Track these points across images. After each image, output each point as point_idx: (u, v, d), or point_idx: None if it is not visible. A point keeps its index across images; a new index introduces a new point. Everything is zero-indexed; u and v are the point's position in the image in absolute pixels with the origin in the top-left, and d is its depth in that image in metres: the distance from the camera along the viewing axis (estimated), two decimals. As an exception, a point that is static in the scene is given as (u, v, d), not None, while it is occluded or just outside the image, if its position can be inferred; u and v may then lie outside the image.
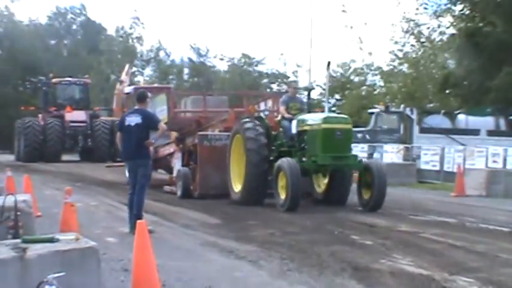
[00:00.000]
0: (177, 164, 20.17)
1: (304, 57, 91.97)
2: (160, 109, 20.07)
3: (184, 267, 8.70)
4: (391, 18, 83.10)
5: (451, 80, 36.40)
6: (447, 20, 40.92)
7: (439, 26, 43.18)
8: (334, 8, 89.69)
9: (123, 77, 32.31)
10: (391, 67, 49.70)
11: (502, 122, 30.51)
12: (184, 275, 8.16)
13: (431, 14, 41.32)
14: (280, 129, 16.90)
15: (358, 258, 9.29)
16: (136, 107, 12.40)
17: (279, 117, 17.10)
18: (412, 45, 46.26)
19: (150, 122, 12.11)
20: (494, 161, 23.52)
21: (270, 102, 20.93)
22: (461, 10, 36.21)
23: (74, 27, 69.74)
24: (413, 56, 46.36)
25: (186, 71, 65.85)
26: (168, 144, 21.45)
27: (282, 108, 17.05)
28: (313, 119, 15.79)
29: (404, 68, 48.18)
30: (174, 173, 19.93)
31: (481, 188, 20.29)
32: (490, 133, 28.63)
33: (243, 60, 62.75)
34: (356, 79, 57.59)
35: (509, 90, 30.85)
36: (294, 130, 16.26)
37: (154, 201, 16.76)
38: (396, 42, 46.61)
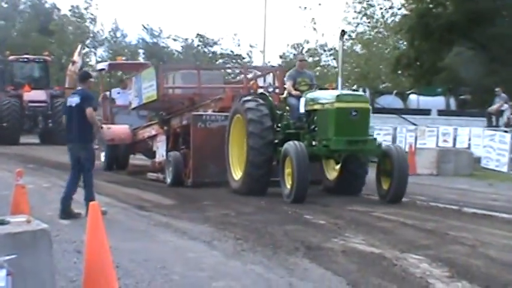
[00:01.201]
0: (160, 148, 18.66)
1: (258, 37, 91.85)
2: (148, 84, 18.25)
3: (138, 249, 8.69)
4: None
5: (402, 61, 36.79)
6: (399, 1, 41.33)
7: (391, 7, 43.58)
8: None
9: (75, 57, 31.64)
10: (345, 48, 49.95)
11: (452, 102, 30.89)
12: (138, 256, 8.15)
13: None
14: (287, 108, 15.09)
15: (311, 238, 9.39)
16: (78, 88, 12.01)
17: (285, 94, 15.13)
18: (365, 26, 46.62)
19: (84, 103, 11.36)
20: (445, 141, 23.92)
21: (269, 78, 18.70)
22: (412, -9, 36.57)
23: (22, 7, 68.39)
24: (367, 36, 46.70)
25: (141, 52, 65.29)
26: (149, 125, 20.06)
27: (288, 84, 15.05)
28: (324, 96, 13.90)
29: (358, 48, 48.52)
30: (157, 158, 18.66)
31: (432, 167, 20.60)
32: (441, 113, 28.97)
33: (197, 40, 62.49)
34: (310, 60, 57.78)
35: (459, 70, 31.30)
36: (302, 109, 14.34)
37: (108, 183, 16.70)
38: (349, 23, 46.92)
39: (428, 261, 7.88)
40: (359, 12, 46.22)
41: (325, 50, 56.51)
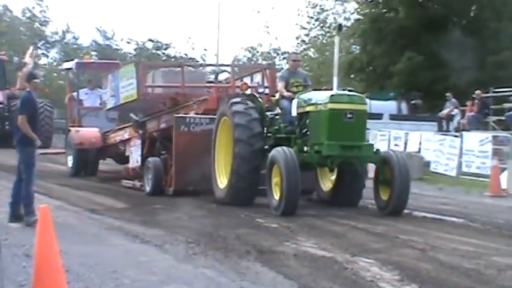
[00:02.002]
0: (134, 153, 17.17)
1: (212, 41, 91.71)
2: (127, 83, 17.05)
3: (89, 252, 8.61)
4: (298, 3, 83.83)
5: (355, 65, 37.09)
6: (352, 5, 41.70)
7: (344, 12, 43.94)
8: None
9: (27, 59, 31.10)
10: (298, 52, 50.20)
11: (404, 106, 31.27)
12: (88, 260, 8.07)
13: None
14: (279, 110, 13.88)
15: (263, 241, 9.41)
16: (27, 89, 11.41)
17: (277, 96, 13.94)
18: (318, 31, 46.94)
19: (19, 109, 10.92)
20: (396, 145, 24.20)
21: (258, 77, 17.34)
22: (365, -4, 36.96)
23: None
24: (320, 41, 47.02)
25: (94, 54, 64.66)
26: (122, 129, 18.65)
27: (280, 85, 13.81)
28: (317, 97, 12.76)
29: (311, 52, 48.79)
30: (131, 164, 17.24)
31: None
32: (392, 117, 29.31)
33: (150, 44, 62.14)
34: (263, 63, 57.91)
35: (410, 74, 31.67)
36: (294, 112, 13.18)
37: (59, 186, 16.51)
38: (303, 28, 47.19)
39: (379, 264, 7.96)
40: (312, 17, 46.53)
41: (278, 54, 56.70)
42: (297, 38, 48.53)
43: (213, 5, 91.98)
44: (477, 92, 25.48)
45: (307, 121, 12.89)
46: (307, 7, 46.22)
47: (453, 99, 26.49)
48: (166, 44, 61.51)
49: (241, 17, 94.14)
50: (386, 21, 34.17)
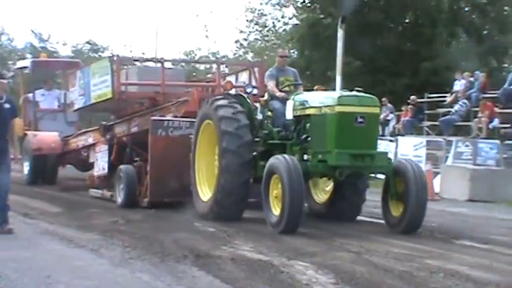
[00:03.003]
0: (100, 159, 15.76)
1: (149, 45, 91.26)
2: (99, 80, 15.46)
3: (22, 257, 8.49)
4: (236, 7, 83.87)
5: (293, 69, 37.23)
6: (290, 10, 41.96)
7: (282, 17, 44.19)
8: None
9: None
10: (237, 56, 50.28)
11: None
12: (22, 265, 7.95)
13: (275, 4, 42.22)
14: (269, 113, 12.48)
15: (200, 245, 9.40)
16: None
17: (266, 97, 12.60)
18: (256, 35, 47.11)
19: None
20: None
21: (243, 76, 16.02)
22: (303, 1, 37.15)
23: None
24: (259, 45, 47.17)
25: (29, 56, 63.67)
26: (85, 133, 17.35)
27: (271, 84, 12.37)
28: (321, 99, 11.37)
29: (249, 57, 48.88)
30: (96, 171, 15.94)
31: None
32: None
33: (87, 46, 61.47)
34: (202, 67, 57.80)
35: (348, 79, 31.96)
36: (289, 115, 11.72)
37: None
38: (241, 32, 47.30)
39: (315, 268, 8.03)
40: (251, 21, 46.67)
41: (217, 58, 56.67)
42: (236, 41, 48.60)
43: (152, 8, 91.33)
44: (412, 97, 25.93)
45: (308, 125, 11.42)
46: (246, 11, 46.36)
47: (389, 104, 26.89)
48: (104, 47, 60.94)
49: (180, 20, 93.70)
50: (323, 26, 34.41)
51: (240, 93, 12.65)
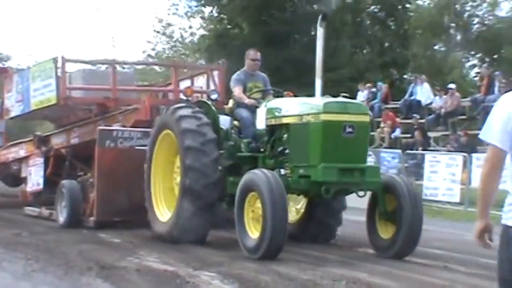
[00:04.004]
0: (34, 173, 14.49)
1: (54, 55, 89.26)
2: (42, 84, 14.06)
3: None
4: (144, 17, 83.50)
5: (201, 80, 37.30)
6: (198, 21, 42.10)
7: (190, 27, 44.27)
8: (87, 5, 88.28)
9: None
10: (144, 66, 50.05)
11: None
12: None
13: (183, 15, 42.30)
14: (235, 122, 11.09)
15: (105, 257, 9.35)
16: None
17: (231, 104, 11.20)
18: (164, 45, 47.05)
19: None
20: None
21: (200, 81, 14.68)
22: (210, 12, 37.35)
23: None
24: (165, 55, 47.09)
25: None
26: (16, 145, 15.75)
27: (237, 91, 10.96)
28: (301, 106, 10.04)
29: (157, 67, 48.74)
30: (30, 187, 14.69)
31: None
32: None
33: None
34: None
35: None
36: (261, 124, 10.45)
37: None
38: (149, 42, 47.22)
39: (220, 277, 8.11)
40: (158, 32, 46.63)
41: (124, 68, 56.15)
42: (144, 52, 48.41)
43: (57, 17, 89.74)
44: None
45: (285, 136, 10.12)
46: (153, 21, 46.29)
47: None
48: (7, 56, 59.53)
49: (86, 30, 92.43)
50: (231, 37, 34.69)
51: (204, 100, 11.61)
